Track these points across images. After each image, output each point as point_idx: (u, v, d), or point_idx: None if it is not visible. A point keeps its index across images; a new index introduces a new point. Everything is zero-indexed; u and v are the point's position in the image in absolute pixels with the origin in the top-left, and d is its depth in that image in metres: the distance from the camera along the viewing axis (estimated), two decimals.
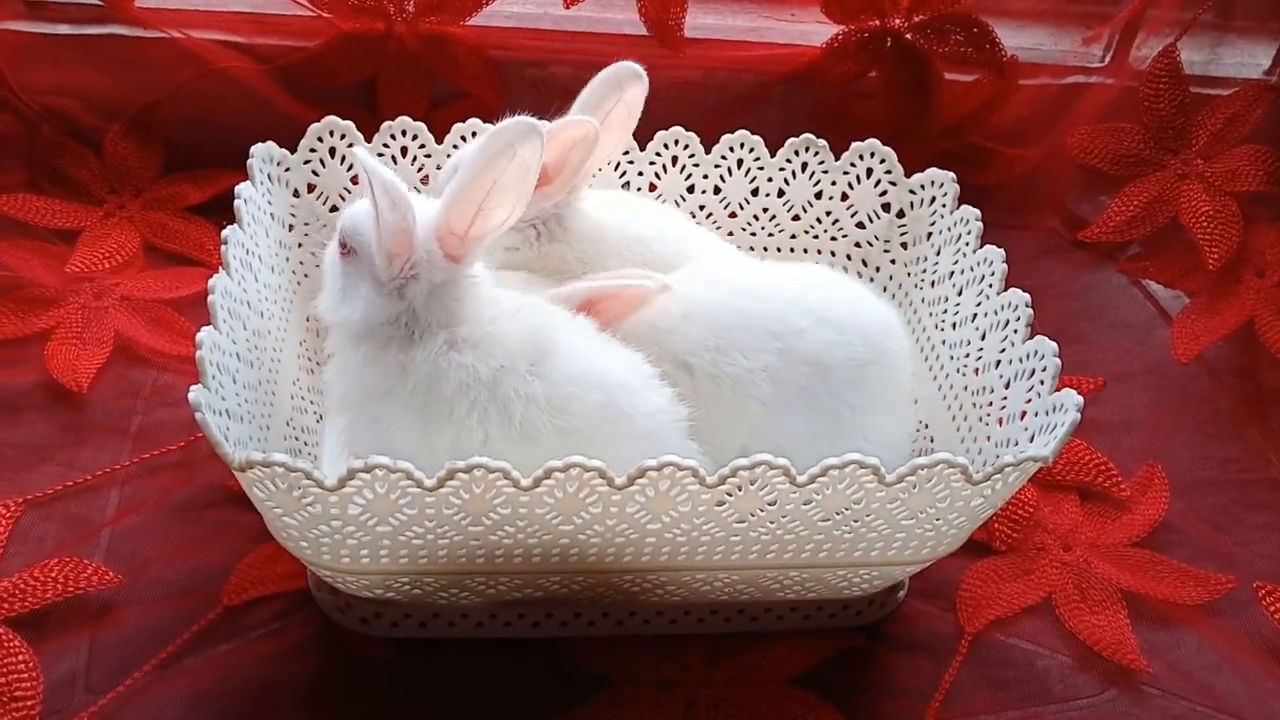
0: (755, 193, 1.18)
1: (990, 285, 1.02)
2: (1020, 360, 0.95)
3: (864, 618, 1.00)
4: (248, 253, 0.96)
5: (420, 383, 0.86)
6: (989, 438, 0.98)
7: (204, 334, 0.83)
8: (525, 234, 1.03)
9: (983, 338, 1.02)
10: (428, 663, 0.93)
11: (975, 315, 1.03)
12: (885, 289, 1.18)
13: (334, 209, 1.11)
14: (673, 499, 0.80)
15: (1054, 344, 0.92)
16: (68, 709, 0.87)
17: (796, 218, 1.19)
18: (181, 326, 1.18)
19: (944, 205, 1.12)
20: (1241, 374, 1.23)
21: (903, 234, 1.16)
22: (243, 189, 0.98)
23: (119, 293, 1.21)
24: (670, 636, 0.97)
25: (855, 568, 0.91)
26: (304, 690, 0.91)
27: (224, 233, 0.92)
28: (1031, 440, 0.91)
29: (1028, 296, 0.97)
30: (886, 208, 1.16)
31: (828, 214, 1.18)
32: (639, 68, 1.01)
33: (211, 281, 0.87)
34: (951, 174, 1.11)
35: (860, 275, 1.19)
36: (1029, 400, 0.93)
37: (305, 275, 1.09)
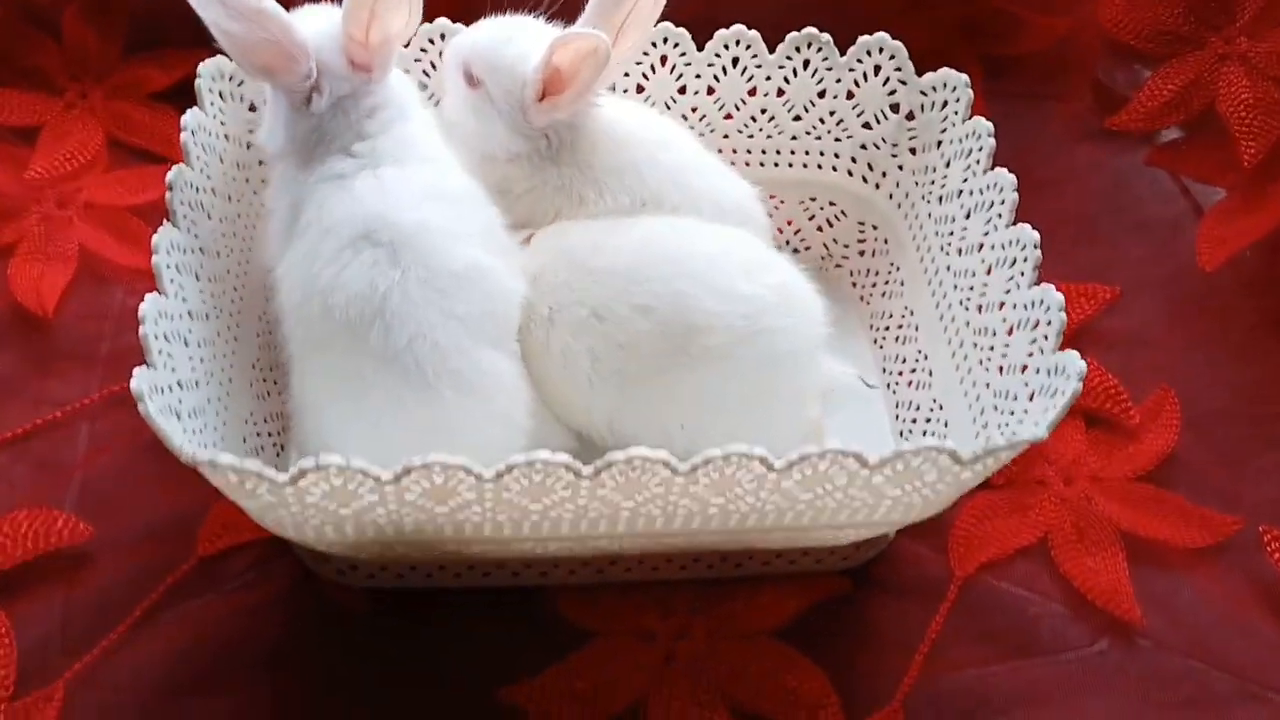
0: (752, 93, 1.08)
1: (999, 215, 0.94)
2: (1025, 307, 0.89)
3: (851, 561, 0.97)
4: (198, 190, 0.90)
5: (299, 209, 0.85)
6: (988, 385, 0.93)
7: (148, 303, 0.79)
8: (533, 142, 0.96)
9: (988, 272, 0.95)
10: (406, 614, 0.92)
11: (981, 246, 0.96)
12: (891, 197, 1.10)
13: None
14: (643, 484, 0.77)
15: (1060, 295, 0.86)
16: (44, 674, 0.87)
17: (798, 118, 1.10)
18: (147, 237, 1.11)
19: (955, 113, 1.02)
20: (1270, 288, 1.14)
21: (912, 138, 1.07)
22: (189, 119, 0.91)
23: (82, 199, 1.14)
24: (653, 583, 0.95)
25: (838, 528, 0.89)
26: (283, 644, 0.90)
27: (169, 177, 0.86)
28: (1031, 399, 0.86)
29: (1036, 236, 0.89)
30: (895, 109, 1.07)
31: (831, 114, 1.09)
32: None
33: (156, 239, 0.82)
34: (965, 77, 1.02)
35: (866, 180, 1.11)
36: (1030, 354, 0.88)
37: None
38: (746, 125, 1.10)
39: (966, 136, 1.00)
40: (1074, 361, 0.82)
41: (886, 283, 1.11)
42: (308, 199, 0.85)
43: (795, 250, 1.16)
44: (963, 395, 0.96)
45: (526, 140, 0.95)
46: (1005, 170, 0.95)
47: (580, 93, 0.91)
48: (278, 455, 0.96)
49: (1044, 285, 0.88)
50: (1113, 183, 1.22)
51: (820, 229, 1.15)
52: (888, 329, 1.09)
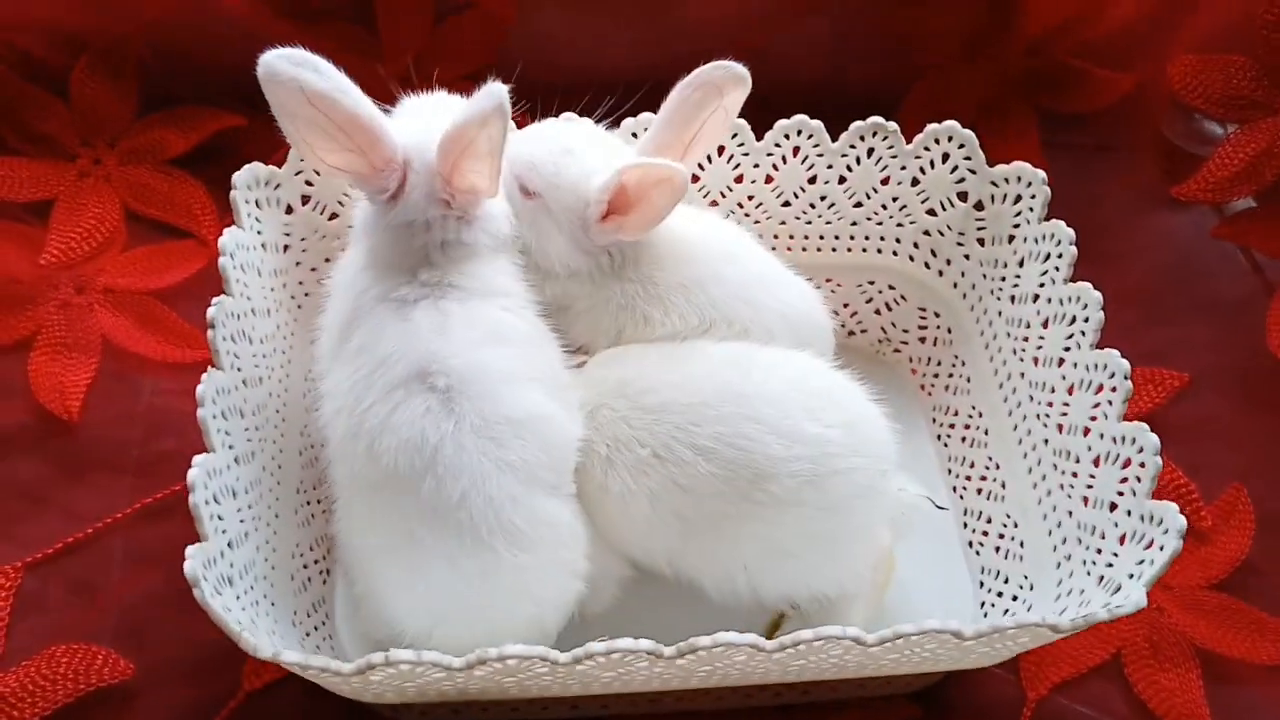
0: (813, 180, 1.03)
1: (1083, 334, 0.90)
2: (1115, 440, 0.85)
3: (919, 683, 0.94)
4: (239, 318, 0.85)
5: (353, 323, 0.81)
6: (1070, 513, 0.89)
7: (197, 468, 0.74)
8: (595, 258, 0.90)
9: (1070, 391, 0.91)
10: None
11: (1062, 361, 0.92)
12: (956, 286, 1.05)
13: (334, 217, 0.97)
14: (725, 657, 0.73)
15: (1155, 438, 0.82)
16: None
17: (859, 204, 1.04)
18: (172, 323, 1.07)
19: (1030, 209, 0.97)
20: None
21: (980, 229, 1.02)
22: (228, 241, 0.85)
23: (101, 284, 1.09)
24: (720, 713, 0.92)
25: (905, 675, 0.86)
26: None
27: (210, 314, 0.80)
28: (1122, 542, 0.82)
29: (1127, 366, 0.85)
30: (963, 197, 1.02)
31: (894, 200, 1.04)
32: (742, 69, 0.88)
33: (202, 390, 0.77)
34: (1041, 174, 0.96)
35: (929, 266, 1.06)
36: (1120, 493, 0.84)
37: (306, 295, 0.97)
38: (805, 212, 1.04)
39: (1043, 238, 0.95)
40: (1174, 516, 0.78)
41: (950, 376, 1.06)
42: (364, 316, 0.80)
43: (851, 333, 1.11)
44: (1041, 518, 0.92)
45: (587, 256, 0.89)
46: (1090, 286, 0.90)
47: (651, 221, 0.86)
48: (324, 582, 0.92)
49: (1137, 424, 0.83)
50: (1179, 256, 1.17)
51: (878, 312, 1.10)
52: (952, 427, 1.05)
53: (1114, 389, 0.86)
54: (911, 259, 1.06)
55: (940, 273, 1.06)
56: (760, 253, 0.96)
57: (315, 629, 0.88)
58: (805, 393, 0.84)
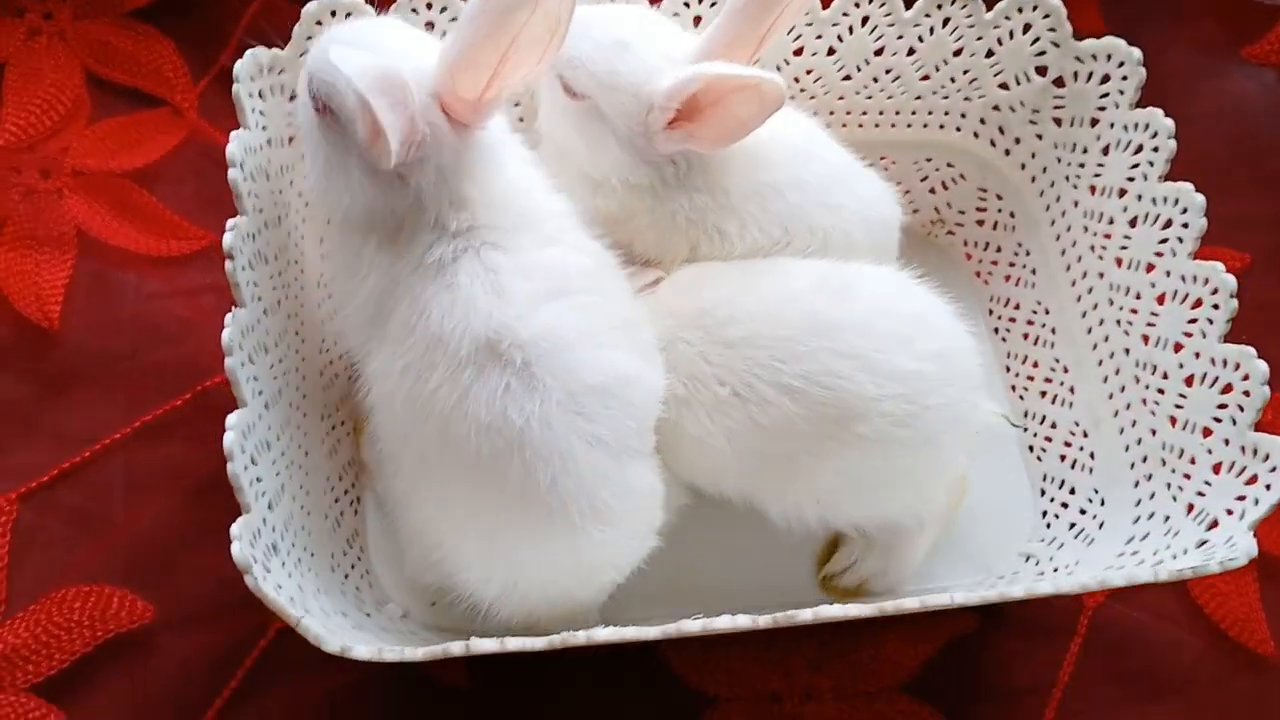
0: (879, 52, 0.92)
1: (1180, 242, 0.83)
2: (1213, 362, 0.79)
3: None
4: (254, 238, 0.74)
5: (387, 301, 0.70)
6: (1153, 431, 0.84)
7: (232, 433, 0.65)
8: (658, 169, 0.80)
9: (1159, 300, 0.84)
10: (513, 686, 0.84)
11: (1152, 267, 0.85)
12: (1024, 167, 0.96)
13: None
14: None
15: (1263, 366, 0.76)
16: None
17: (925, 78, 0.94)
18: (152, 210, 0.96)
19: (1121, 92, 0.88)
20: None
21: (1058, 107, 0.92)
22: (236, 151, 0.72)
23: (69, 165, 0.95)
24: (773, 636, 0.88)
25: None
26: None
27: (227, 243, 0.70)
28: (1216, 472, 0.78)
29: (1233, 283, 0.79)
30: (1042, 72, 0.92)
31: (965, 72, 0.93)
32: None
33: (227, 338, 0.67)
34: (1138, 53, 0.87)
35: (994, 144, 0.97)
36: (1218, 419, 0.79)
37: None
38: (866, 86, 0.94)
39: (1136, 128, 0.86)
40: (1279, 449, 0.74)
41: (1011, 265, 0.99)
42: (400, 292, 0.69)
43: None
44: (1118, 432, 0.87)
45: (648, 166, 0.78)
46: (1191, 189, 0.82)
47: (731, 134, 0.75)
48: (355, 512, 0.85)
49: (1242, 348, 0.77)
50: (1245, 125, 1.09)
51: (933, 190, 1.01)
52: (1013, 321, 0.98)
53: (1215, 306, 0.80)
54: (976, 135, 0.97)
55: (1007, 151, 0.97)
56: (835, 147, 0.86)
57: (352, 568, 0.82)
58: (898, 319, 0.77)
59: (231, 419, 0.66)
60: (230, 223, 0.70)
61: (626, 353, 0.71)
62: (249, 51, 0.77)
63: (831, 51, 0.91)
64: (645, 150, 0.78)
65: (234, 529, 0.64)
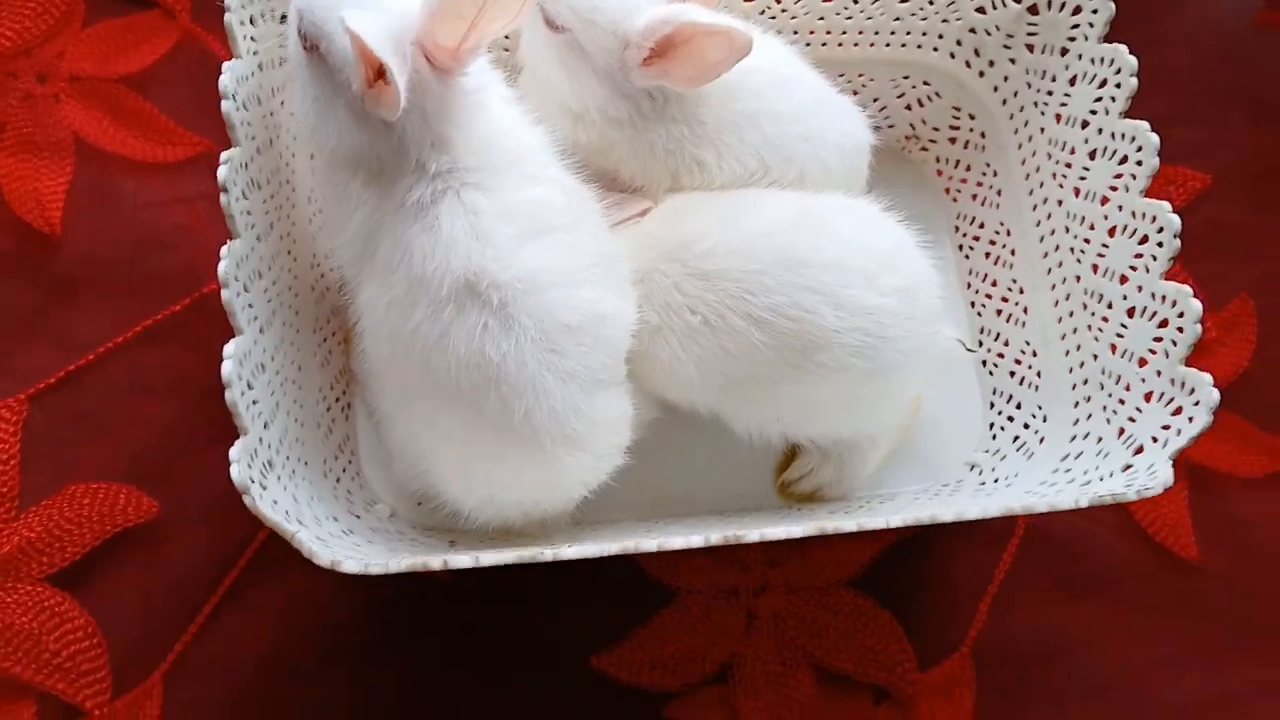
0: None
1: (1133, 177, 0.86)
2: (1154, 297, 0.84)
3: None
4: (247, 166, 0.77)
5: (374, 236, 0.74)
6: (1095, 356, 0.89)
7: (230, 362, 0.70)
8: (635, 101, 0.83)
9: (1110, 233, 0.88)
10: (492, 581, 0.92)
11: (1106, 200, 0.88)
12: (997, 90, 0.98)
13: None
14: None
15: (1198, 305, 0.81)
16: (138, 668, 0.86)
17: None
18: (149, 116, 0.98)
19: (1090, 25, 0.90)
20: None
21: (1031, 34, 0.94)
22: (229, 82, 0.75)
23: (65, 70, 0.98)
24: None
25: None
26: (377, 619, 0.90)
27: (222, 176, 0.73)
28: (1148, 400, 0.83)
29: (1178, 222, 0.83)
30: None
31: None
32: None
33: (224, 270, 0.72)
34: None
35: (969, 65, 0.99)
36: (1153, 351, 0.84)
37: None
38: (846, 6, 0.96)
39: (1101, 61, 0.89)
40: (1207, 389, 0.79)
41: (979, 185, 1.02)
42: (383, 230, 0.73)
43: (877, 127, 1.03)
44: (1063, 354, 0.92)
45: (625, 100, 0.81)
46: (1148, 127, 0.85)
47: (703, 75, 0.78)
48: (347, 418, 0.91)
49: (1179, 286, 0.82)
50: (1219, 44, 1.10)
51: (909, 108, 1.04)
52: (976, 239, 1.02)
53: (1160, 244, 0.84)
54: (952, 56, 0.99)
55: (981, 73, 0.99)
56: (811, 75, 0.89)
57: (344, 471, 0.88)
58: (867, 254, 0.81)
59: (228, 348, 0.71)
60: (224, 155, 0.74)
61: (601, 289, 0.76)
62: None
63: None
64: (622, 84, 0.81)
65: (232, 451, 0.69)
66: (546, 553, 0.71)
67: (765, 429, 0.86)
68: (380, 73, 0.68)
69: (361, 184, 0.74)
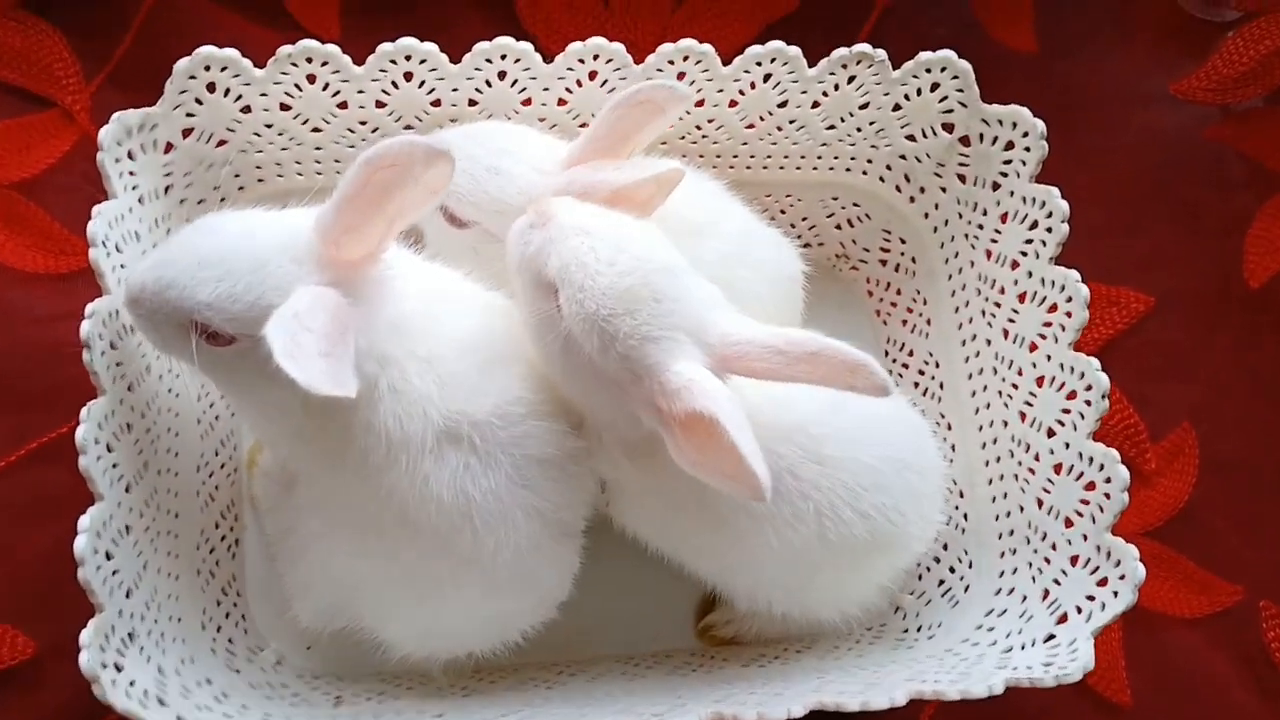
0: (783, 104, 0.89)
1: (1062, 329, 0.83)
2: (1081, 456, 0.80)
3: None
4: (117, 316, 0.73)
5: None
6: (1021, 508, 0.86)
7: (83, 539, 0.66)
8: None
9: (1039, 383, 0.85)
10: None
11: (1035, 346, 0.85)
12: (927, 216, 0.95)
13: (221, 143, 0.83)
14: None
15: (1125, 471, 0.77)
16: None
17: (831, 127, 0.92)
18: (41, 224, 0.94)
19: (1023, 163, 0.86)
20: None
21: (963, 164, 0.91)
22: (98, 229, 0.71)
23: None
24: None
25: None
26: None
27: (85, 331, 0.69)
28: (1074, 564, 0.80)
29: (1106, 382, 0.79)
30: (949, 128, 0.90)
31: (871, 124, 0.91)
32: (686, 90, 0.80)
33: (82, 436, 0.67)
34: (1041, 125, 0.85)
35: (900, 190, 0.95)
36: (1079, 513, 0.81)
37: None
38: (771, 133, 0.92)
39: (1033, 202, 0.85)
40: (1132, 561, 0.76)
41: (909, 310, 0.98)
42: (348, 431, 0.70)
43: (807, 245, 1.00)
44: (990, 500, 0.89)
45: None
46: (1076, 276, 0.82)
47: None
48: (233, 556, 0.86)
49: (1108, 449, 0.79)
50: (1168, 158, 1.07)
51: (839, 227, 1.00)
52: (906, 367, 0.98)
53: (1088, 402, 0.80)
54: (882, 179, 0.95)
55: (912, 199, 0.95)
56: (734, 215, 0.86)
57: (226, 616, 0.83)
58: (936, 472, 0.83)
59: (84, 520, 0.66)
60: (89, 308, 0.69)
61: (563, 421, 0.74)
62: (116, 117, 0.74)
63: (734, 104, 0.89)
64: None
65: (83, 636, 0.64)
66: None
67: (755, 594, 0.83)
68: None
69: (316, 419, 0.70)
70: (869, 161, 0.94)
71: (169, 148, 0.79)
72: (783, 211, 0.97)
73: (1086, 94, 1.08)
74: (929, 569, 0.92)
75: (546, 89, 0.85)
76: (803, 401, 0.76)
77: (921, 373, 0.97)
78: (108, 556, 0.68)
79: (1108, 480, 0.78)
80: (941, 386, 0.94)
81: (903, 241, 0.98)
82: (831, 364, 0.67)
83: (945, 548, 0.92)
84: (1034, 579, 0.84)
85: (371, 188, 0.64)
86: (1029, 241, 0.86)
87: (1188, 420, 1.02)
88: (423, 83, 0.83)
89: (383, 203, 0.65)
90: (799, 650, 0.89)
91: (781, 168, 0.95)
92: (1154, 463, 1.01)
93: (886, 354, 1.00)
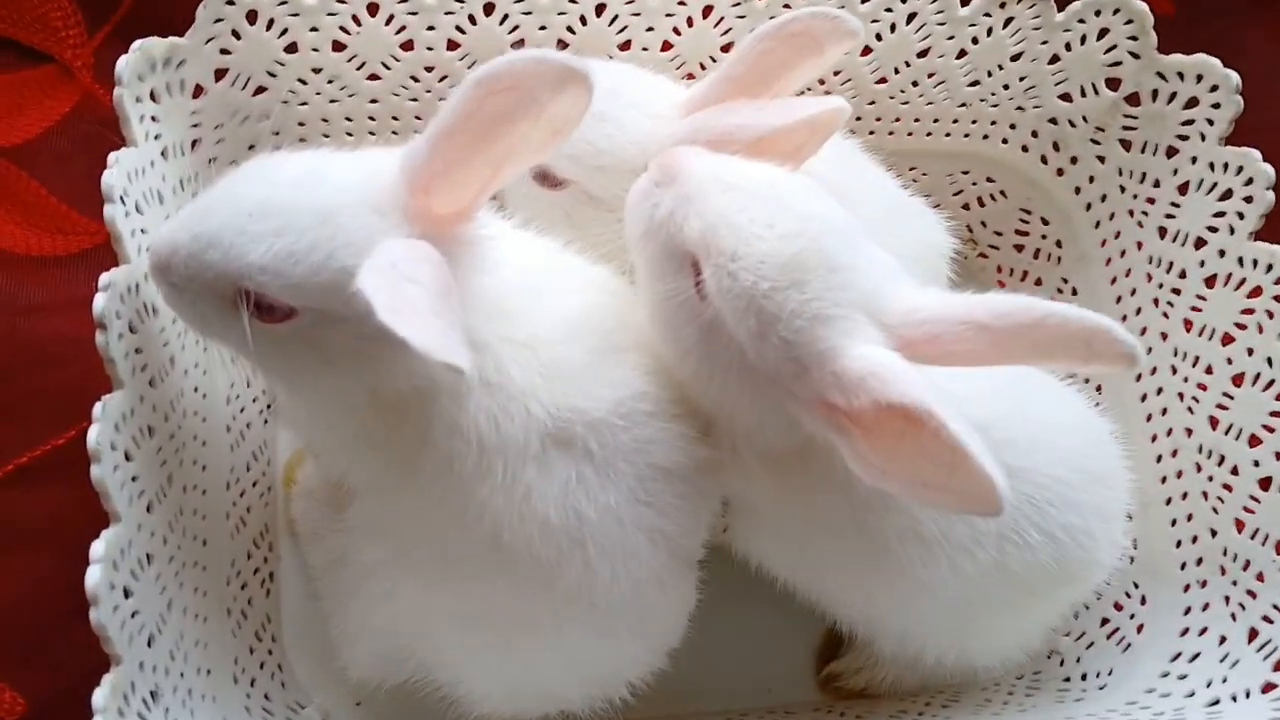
0: (924, 54, 0.76)
1: (1269, 316, 0.69)
2: None
3: None
4: (137, 291, 0.58)
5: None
6: (1213, 531, 0.72)
7: (96, 571, 0.51)
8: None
9: (1235, 383, 0.71)
10: None
11: (1229, 339, 0.71)
12: (1079, 192, 0.82)
13: (260, 91, 0.68)
14: None
15: None
16: None
17: (975, 83, 0.78)
18: (33, 196, 0.79)
19: (1210, 123, 0.73)
20: None
21: (1128, 128, 0.77)
22: (114, 181, 0.56)
23: None
24: None
25: None
26: None
27: (98, 309, 0.54)
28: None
29: None
30: (1113, 85, 0.77)
31: (1021, 79, 0.78)
32: (855, 23, 0.64)
33: (95, 441, 0.52)
34: (1235, 77, 0.72)
35: (1046, 161, 0.82)
36: None
37: None
38: (904, 91, 0.78)
39: (1224, 169, 0.72)
40: None
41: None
42: (429, 433, 0.56)
43: None
44: (1168, 523, 0.75)
45: None
46: None
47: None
48: (267, 594, 0.71)
49: None
50: None
51: (967, 207, 0.87)
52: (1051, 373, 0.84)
53: None
54: (1025, 149, 0.82)
55: (1060, 171, 0.82)
56: (881, 187, 0.73)
57: (261, 666, 0.69)
58: (1124, 479, 0.68)
59: (98, 548, 0.52)
60: (104, 279, 0.55)
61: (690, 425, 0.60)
62: (137, 46, 0.60)
63: (867, 50, 0.75)
64: None
65: (96, 697, 0.50)
66: None
67: (907, 638, 0.69)
68: None
69: (387, 418, 0.56)
70: (1011, 127, 0.81)
71: (198, 91, 0.65)
72: (903, 188, 0.84)
73: (1231, 63, 0.94)
74: (1087, 606, 0.78)
75: (650, 29, 0.71)
76: (981, 401, 0.61)
77: (1072, 376, 0.82)
78: (126, 594, 0.54)
79: None
80: (1099, 391, 0.80)
81: (1044, 223, 0.84)
82: (1056, 335, 0.52)
83: (1107, 581, 0.78)
84: (1234, 616, 0.70)
85: (480, 118, 0.50)
86: (1219, 214, 0.72)
87: None
88: (505, 17, 0.69)
89: (492, 139, 0.50)
90: (945, 705, 0.74)
91: (910, 134, 0.82)
92: None
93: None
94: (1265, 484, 0.69)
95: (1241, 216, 0.71)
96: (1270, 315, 0.69)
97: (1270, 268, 0.69)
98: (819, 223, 0.54)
